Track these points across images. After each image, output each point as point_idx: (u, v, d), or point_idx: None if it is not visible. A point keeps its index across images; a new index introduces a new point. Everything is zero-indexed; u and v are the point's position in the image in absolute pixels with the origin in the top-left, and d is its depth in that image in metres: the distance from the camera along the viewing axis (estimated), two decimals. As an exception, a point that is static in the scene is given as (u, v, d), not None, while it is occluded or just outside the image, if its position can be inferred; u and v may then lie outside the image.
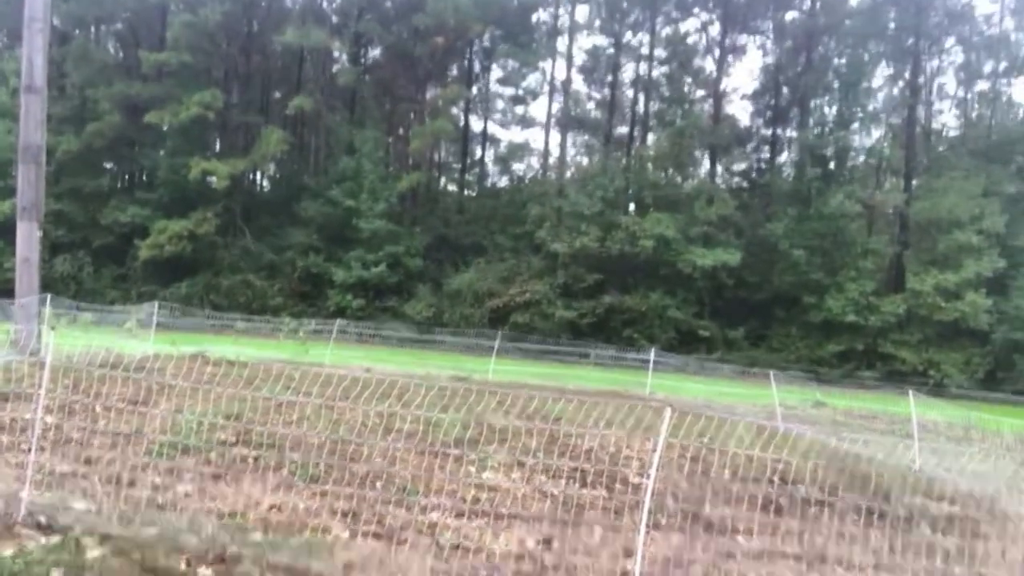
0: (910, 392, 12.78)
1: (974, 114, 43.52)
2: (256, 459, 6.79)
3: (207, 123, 42.85)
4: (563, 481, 7.30)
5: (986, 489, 8.77)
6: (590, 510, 6.28)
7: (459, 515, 5.91)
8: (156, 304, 19.67)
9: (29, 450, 5.37)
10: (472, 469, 7.32)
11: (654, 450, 4.99)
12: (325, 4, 48.60)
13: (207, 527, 4.96)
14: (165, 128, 43.49)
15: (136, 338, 17.11)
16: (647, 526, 5.00)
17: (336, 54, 47.88)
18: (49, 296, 14.23)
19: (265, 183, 51.43)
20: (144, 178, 46.80)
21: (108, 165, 46.88)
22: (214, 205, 41.05)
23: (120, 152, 45.50)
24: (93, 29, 48.62)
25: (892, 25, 41.56)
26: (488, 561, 5.03)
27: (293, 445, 6.93)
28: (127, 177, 47.90)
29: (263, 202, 47.51)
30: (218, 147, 46.03)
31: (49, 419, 7.18)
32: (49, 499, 5.17)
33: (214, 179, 40.74)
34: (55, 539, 4.64)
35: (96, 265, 41.33)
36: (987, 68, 41.87)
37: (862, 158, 42.86)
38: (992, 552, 6.43)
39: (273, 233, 43.04)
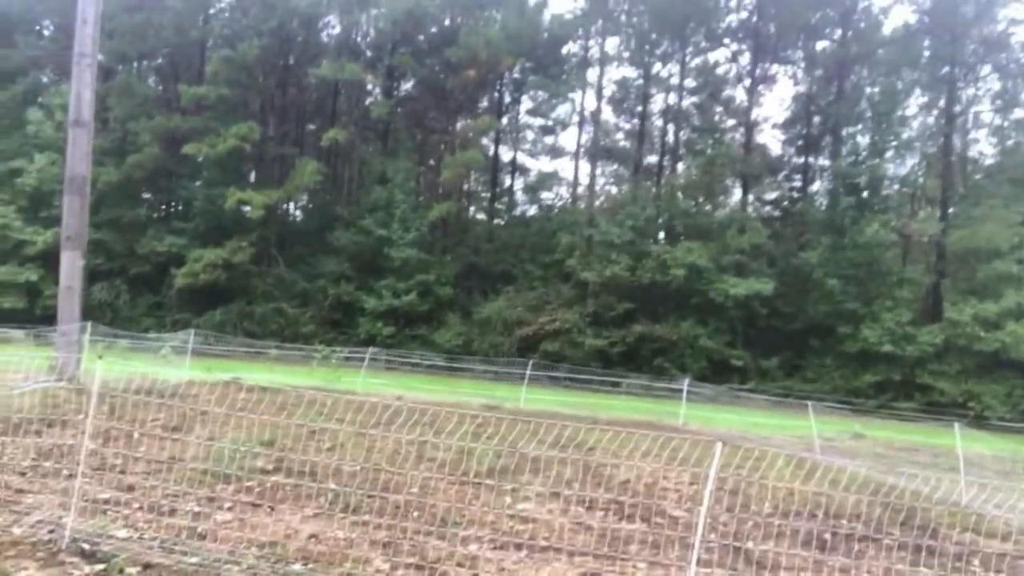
0: (956, 425, 12.41)
1: (1010, 142, 42.85)
2: (294, 487, 6.78)
3: (243, 154, 43.76)
4: (601, 513, 7.18)
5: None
6: (631, 544, 6.15)
7: (498, 547, 5.83)
8: (192, 331, 19.92)
9: (73, 476, 5.42)
10: (508, 499, 7.24)
11: (703, 484, 4.88)
12: (359, 38, 49.58)
13: (247, 558, 4.94)
14: (202, 159, 44.47)
15: (171, 365, 17.33)
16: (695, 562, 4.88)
17: (369, 87, 48.72)
18: (89, 324, 14.49)
19: (298, 213, 52.22)
20: (181, 208, 47.78)
21: (147, 196, 47.96)
22: (249, 234, 41.71)
23: (158, 183, 46.59)
24: (135, 64, 50.10)
25: (927, 54, 41.28)
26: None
27: (329, 473, 6.91)
28: (165, 207, 48.95)
29: (296, 231, 48.19)
30: (253, 178, 46.90)
31: (91, 445, 7.27)
32: (92, 526, 5.19)
33: (249, 209, 41.43)
34: (99, 567, 4.65)
35: (132, 293, 42.11)
36: (1024, 96, 41.31)
37: (896, 187, 42.32)
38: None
39: (306, 262, 43.57)
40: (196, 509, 6.01)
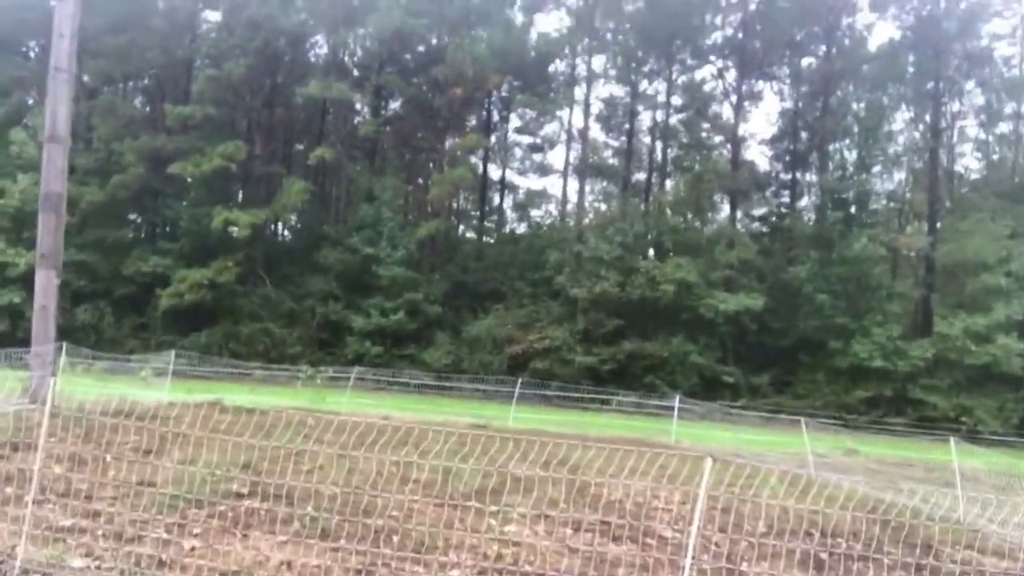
0: (951, 439, 12.22)
1: (995, 156, 43.22)
2: (268, 512, 6.47)
3: (230, 174, 43.47)
4: (588, 534, 6.89)
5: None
6: (619, 567, 5.88)
7: (480, 572, 5.54)
8: (173, 353, 19.57)
9: (27, 503, 5.11)
10: (492, 522, 6.94)
11: (694, 504, 4.63)
12: (347, 57, 49.59)
13: (210, 587, 4.64)
14: (188, 179, 44.15)
15: (151, 387, 16.94)
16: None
17: (357, 106, 48.65)
18: (64, 345, 14.12)
19: (286, 232, 51.92)
20: (167, 228, 47.35)
21: (131, 216, 47.55)
22: (235, 254, 41.31)
23: (143, 203, 46.17)
24: (120, 84, 49.86)
25: (911, 69, 41.67)
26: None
27: (306, 497, 6.61)
28: (150, 227, 48.51)
29: (283, 251, 47.82)
30: (240, 197, 46.60)
31: (58, 469, 6.94)
32: (46, 556, 4.88)
33: (236, 229, 41.08)
34: (48, 600, 4.34)
35: (117, 315, 41.53)
36: (1008, 110, 41.71)
37: (884, 201, 42.59)
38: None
39: (293, 281, 43.20)
40: (163, 536, 5.71)
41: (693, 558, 4.48)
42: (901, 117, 43.18)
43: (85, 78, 43.93)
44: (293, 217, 49.14)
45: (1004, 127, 42.73)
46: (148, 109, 49.46)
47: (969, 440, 22.55)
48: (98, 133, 45.41)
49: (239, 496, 6.91)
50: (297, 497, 6.70)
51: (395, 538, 5.93)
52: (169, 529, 5.82)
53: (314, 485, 6.80)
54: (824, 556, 6.75)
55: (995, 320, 33.38)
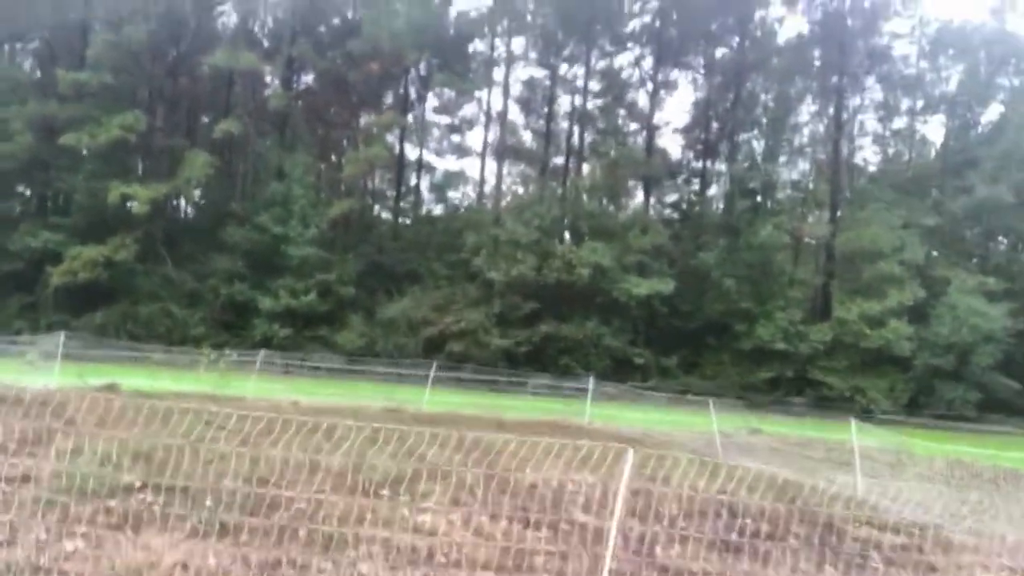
0: (852, 421, 12.72)
1: (891, 150, 45.46)
2: (163, 507, 6.03)
3: (128, 146, 41.14)
4: (505, 522, 6.76)
5: (929, 517, 8.63)
6: (535, 555, 5.76)
7: (392, 566, 5.31)
8: (62, 334, 18.31)
9: None
10: (405, 511, 6.71)
11: (615, 498, 4.53)
12: (257, 28, 47.59)
13: (93, 594, 4.24)
14: (84, 151, 41.47)
15: (37, 371, 15.81)
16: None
17: (268, 78, 46.83)
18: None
19: (189, 209, 49.69)
20: (59, 202, 44.51)
21: (19, 188, 44.43)
22: (134, 231, 39.22)
23: (32, 175, 43.19)
24: (6, 46, 46.35)
25: (817, 63, 43.21)
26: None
27: (206, 491, 6.20)
28: (40, 201, 45.47)
29: (186, 228, 45.76)
30: (140, 171, 44.19)
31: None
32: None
33: (134, 204, 38.97)
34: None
35: (2, 293, 38.83)
36: (904, 106, 43.86)
37: (789, 191, 44.17)
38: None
39: (196, 260, 41.41)
40: (43, 536, 5.22)
41: (613, 552, 4.39)
42: (806, 109, 44.91)
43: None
44: (197, 193, 46.98)
45: (900, 122, 44.98)
46: (38, 74, 46.23)
47: (862, 418, 23.77)
48: (-19, 98, 42.10)
49: (131, 490, 6.43)
50: (196, 491, 6.28)
51: (302, 533, 5.62)
52: (49, 529, 5.33)
53: (214, 477, 6.39)
54: (733, 537, 6.83)
55: (888, 306, 35.28)
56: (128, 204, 39.69)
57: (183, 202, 48.49)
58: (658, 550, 6.27)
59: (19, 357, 18.41)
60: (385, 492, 7.11)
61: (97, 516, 5.69)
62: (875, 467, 13.92)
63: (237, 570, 4.88)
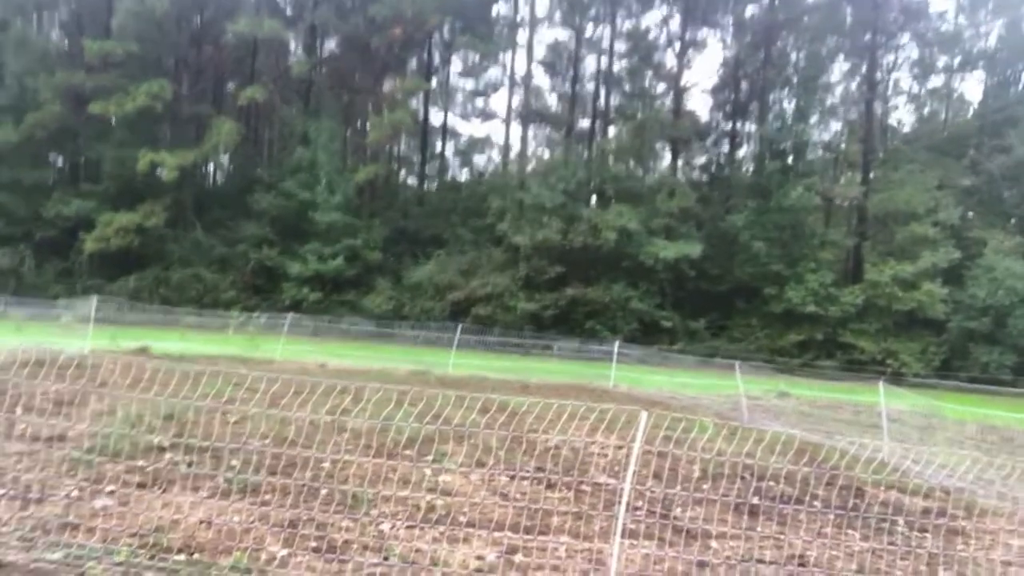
0: (880, 383, 12.54)
1: (927, 109, 44.19)
2: (190, 466, 6.16)
3: (155, 114, 41.44)
4: (525, 482, 6.81)
5: (957, 482, 8.53)
6: (553, 516, 5.80)
7: (413, 525, 5.39)
8: (95, 298, 18.67)
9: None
10: (428, 472, 6.79)
11: (628, 457, 4.52)
12: (279, -7, 47.36)
13: (121, 552, 4.35)
14: (112, 119, 41.92)
15: (72, 334, 16.17)
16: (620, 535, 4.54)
17: (291, 45, 46.71)
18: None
19: (217, 175, 50.10)
20: (91, 170, 45.13)
21: (51, 157, 45.08)
22: (163, 197, 39.79)
23: (63, 144, 43.82)
24: (34, 15, 46.66)
25: (849, 20, 41.95)
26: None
27: (233, 449, 6.32)
28: (71, 169, 46.14)
29: (214, 194, 46.21)
30: (168, 139, 44.58)
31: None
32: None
33: (163, 171, 39.42)
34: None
35: (38, 259, 39.70)
36: (940, 64, 42.52)
37: (820, 152, 43.26)
38: (975, 554, 6.11)
39: (225, 226, 41.89)
40: (74, 494, 5.36)
41: (627, 510, 4.39)
42: (838, 68, 43.75)
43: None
44: (224, 160, 47.38)
45: (936, 81, 43.63)
46: (66, 44, 46.51)
47: (894, 382, 23.50)
48: (11, 68, 42.55)
49: (160, 450, 6.58)
50: (222, 451, 6.40)
51: (325, 491, 5.71)
52: (81, 487, 5.47)
53: (242, 438, 6.50)
54: (756, 500, 6.80)
55: (922, 268, 34.62)
56: (157, 171, 40.13)
57: (211, 168, 48.93)
58: (676, 511, 6.28)
59: (55, 321, 18.82)
60: (409, 453, 7.21)
61: (127, 475, 5.83)
62: (904, 431, 13.76)
63: (259, 527, 4.97)
